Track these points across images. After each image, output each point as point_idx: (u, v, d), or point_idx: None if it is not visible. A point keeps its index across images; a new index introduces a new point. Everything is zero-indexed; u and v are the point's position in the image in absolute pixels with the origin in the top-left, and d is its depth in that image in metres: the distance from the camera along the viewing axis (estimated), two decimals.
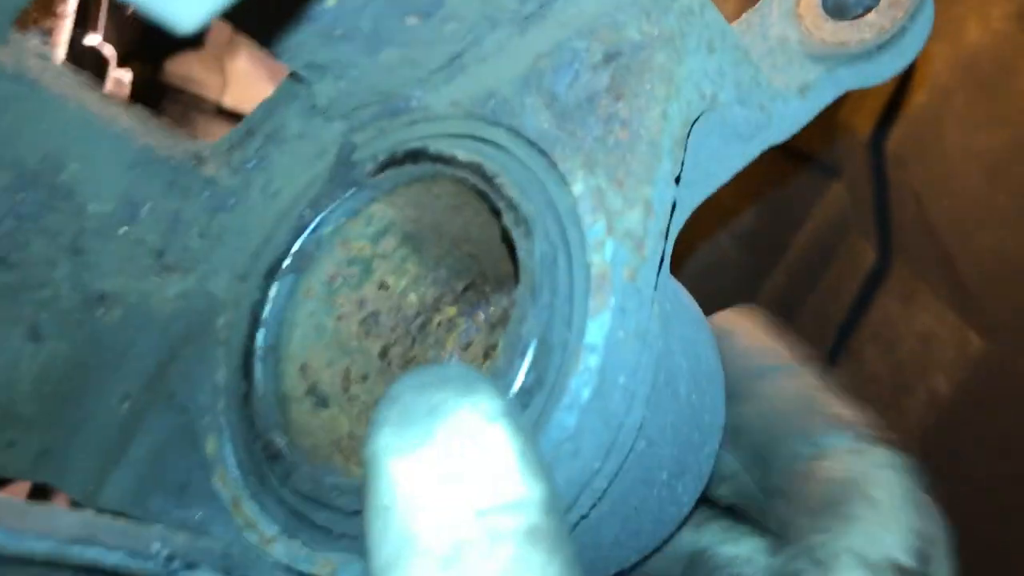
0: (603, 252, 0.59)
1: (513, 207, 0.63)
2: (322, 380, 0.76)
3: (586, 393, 0.57)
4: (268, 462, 0.67)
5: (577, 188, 0.62)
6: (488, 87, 0.69)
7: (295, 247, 0.73)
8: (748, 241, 1.97)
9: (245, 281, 0.75)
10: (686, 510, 0.76)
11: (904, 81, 1.76)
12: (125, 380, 0.75)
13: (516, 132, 0.66)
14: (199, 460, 0.72)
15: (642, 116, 0.62)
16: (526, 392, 0.59)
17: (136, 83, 1.28)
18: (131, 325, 0.74)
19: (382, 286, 0.80)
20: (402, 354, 0.84)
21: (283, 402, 0.71)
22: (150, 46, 1.39)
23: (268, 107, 0.76)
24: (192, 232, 0.73)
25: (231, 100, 1.55)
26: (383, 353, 0.82)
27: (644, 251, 0.60)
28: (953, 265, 1.76)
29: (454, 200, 0.72)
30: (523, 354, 0.59)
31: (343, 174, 0.73)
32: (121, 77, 0.92)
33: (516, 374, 0.59)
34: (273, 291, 0.73)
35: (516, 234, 0.62)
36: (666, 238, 0.63)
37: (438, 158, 0.68)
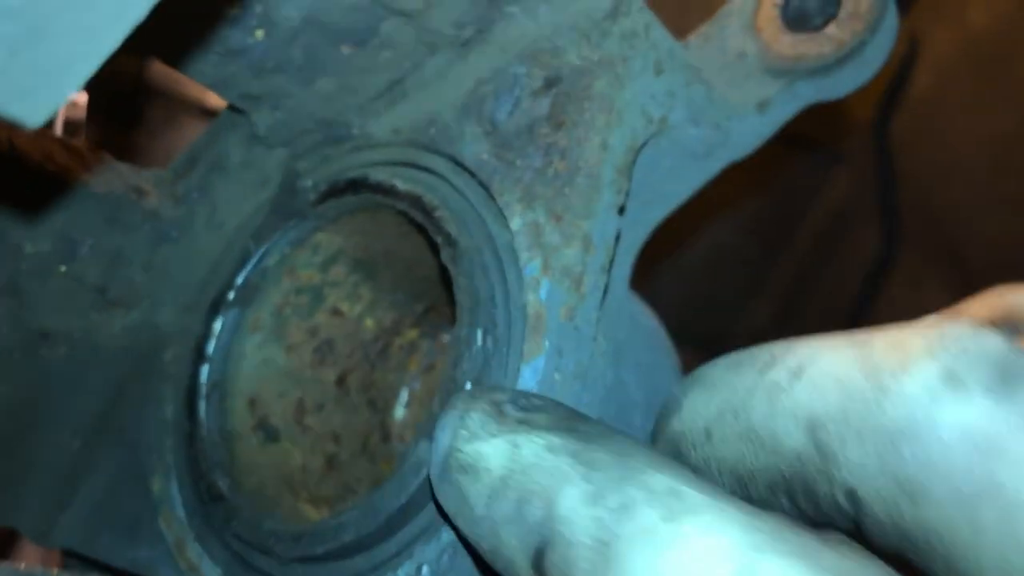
0: (538, 291, 0.57)
1: (451, 243, 0.60)
2: (273, 413, 0.74)
3: None
4: (211, 503, 0.66)
5: (515, 223, 0.59)
6: (429, 113, 0.66)
7: (239, 280, 0.71)
8: (752, 231, 1.93)
9: (192, 313, 0.74)
10: None
11: (908, 65, 1.71)
12: (75, 417, 0.74)
13: (456, 161, 0.64)
14: (149, 499, 0.70)
15: (582, 146, 0.59)
16: None
17: (121, 84, 1.26)
18: (77, 362, 0.72)
19: (335, 313, 0.78)
20: (361, 380, 0.82)
21: (229, 439, 0.69)
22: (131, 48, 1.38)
23: (210, 136, 0.74)
24: (135, 266, 0.72)
25: (216, 100, 1.53)
26: (340, 381, 0.80)
27: (583, 288, 0.57)
28: (960, 252, 1.72)
29: (400, 228, 0.70)
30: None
31: (286, 203, 0.71)
32: (76, 99, 0.90)
33: None
34: (217, 325, 0.71)
35: (453, 271, 0.60)
36: (609, 270, 0.61)
37: (378, 188, 0.66)
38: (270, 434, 0.73)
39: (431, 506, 0.55)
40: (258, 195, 0.73)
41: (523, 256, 0.58)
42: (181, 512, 0.68)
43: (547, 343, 0.55)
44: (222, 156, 0.72)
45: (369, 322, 0.81)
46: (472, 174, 0.62)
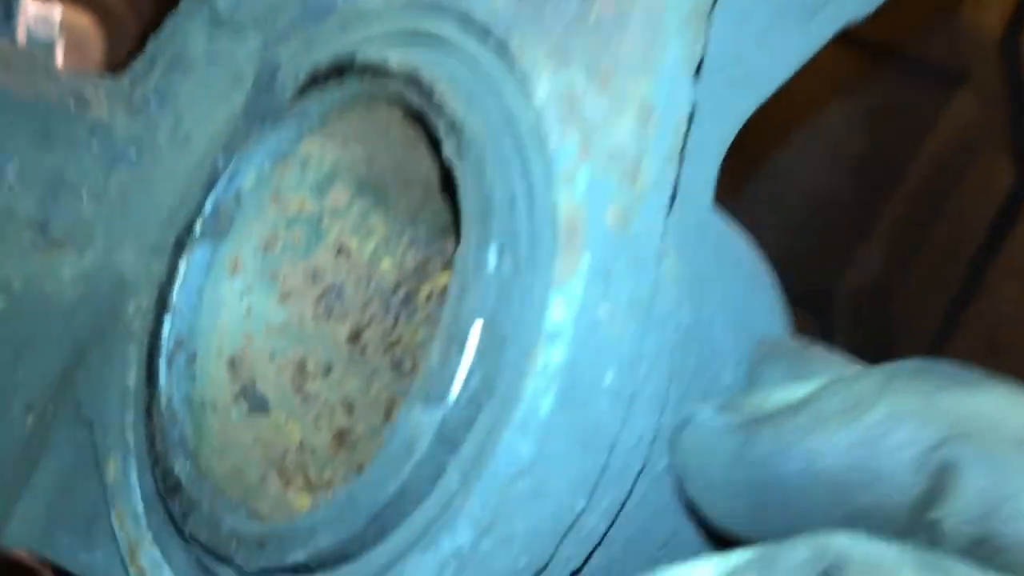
0: (574, 185, 0.40)
1: (455, 129, 0.44)
2: (262, 377, 0.58)
3: (545, 404, 0.38)
4: (167, 495, 0.51)
5: (542, 90, 0.42)
6: None
7: (207, 207, 0.55)
8: (859, 168, 1.71)
9: (159, 253, 0.59)
10: None
11: None
12: (26, 388, 0.60)
13: (466, 18, 0.47)
14: (104, 489, 0.56)
15: None
16: (470, 403, 0.40)
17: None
18: (22, 318, 0.58)
19: (341, 251, 0.62)
20: (381, 337, 0.66)
21: (198, 411, 0.54)
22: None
23: (170, 27, 0.58)
24: (83, 195, 0.57)
25: None
26: (353, 337, 0.64)
27: (641, 180, 0.40)
28: None
29: (407, 131, 0.54)
30: (462, 346, 0.40)
31: (261, 104, 0.55)
32: (46, 15, 0.76)
33: (453, 375, 0.40)
34: (183, 266, 0.55)
35: (458, 168, 0.43)
36: (681, 161, 0.43)
37: (366, 68, 0.49)
38: (257, 403, 0.57)
39: (429, 500, 0.39)
40: (231, 98, 0.57)
41: (553, 136, 0.41)
42: (139, 506, 0.54)
43: (587, 259, 0.38)
44: (183, 50, 0.57)
45: (386, 263, 0.64)
46: (487, 32, 0.45)
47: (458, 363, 0.40)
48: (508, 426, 0.39)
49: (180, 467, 0.51)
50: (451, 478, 0.41)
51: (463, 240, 0.42)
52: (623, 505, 0.44)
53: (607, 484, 0.42)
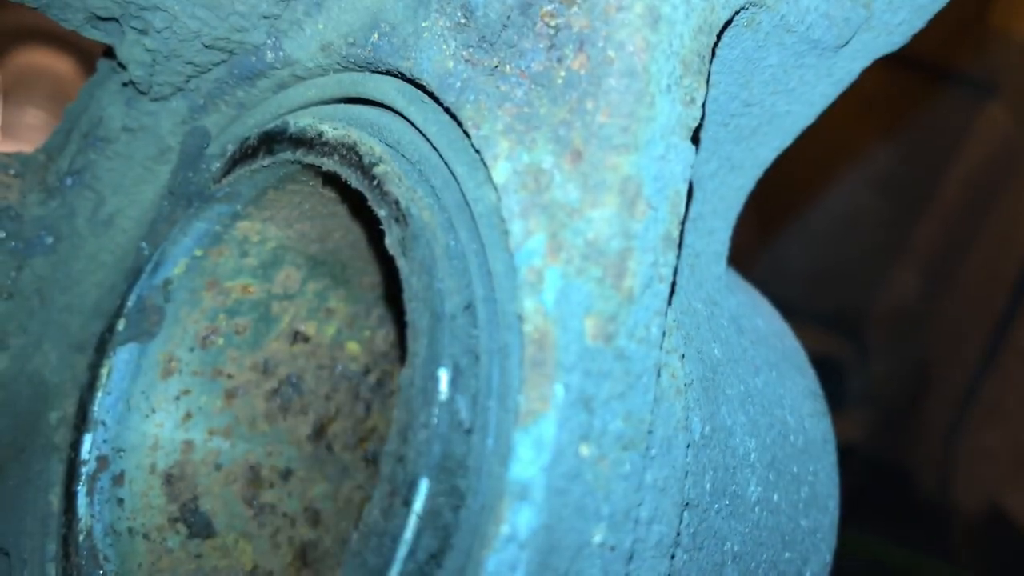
0: (541, 293, 0.31)
1: (399, 217, 0.35)
2: (205, 494, 0.50)
3: None
4: None
5: (500, 171, 0.34)
6: (370, 10, 0.41)
7: (130, 302, 0.47)
8: (887, 186, 1.61)
9: (85, 353, 0.51)
10: None
11: None
12: None
13: (411, 79, 0.38)
14: None
15: (613, 24, 0.33)
16: (419, 573, 0.31)
17: None
18: None
19: (297, 338, 0.54)
20: (351, 429, 0.58)
21: (126, 543, 0.46)
22: None
23: (86, 94, 0.50)
24: None
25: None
26: (317, 433, 0.55)
27: (627, 281, 0.31)
28: None
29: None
30: (407, 502, 0.31)
31: (188, 182, 0.47)
32: None
33: (396, 540, 0.31)
34: (104, 372, 0.47)
35: (404, 268, 0.35)
36: (680, 245, 0.34)
37: (300, 142, 0.41)
38: (199, 526, 0.49)
39: None
40: (158, 173, 0.49)
41: (515, 228, 0.32)
42: None
43: (559, 390, 0.30)
44: (99, 122, 0.49)
45: (352, 346, 0.56)
46: (435, 97, 0.37)
47: (403, 524, 0.32)
48: None
49: None
50: None
51: (409, 359, 0.34)
52: None
53: None
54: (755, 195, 0.47)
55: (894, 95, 1.45)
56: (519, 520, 0.30)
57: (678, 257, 0.35)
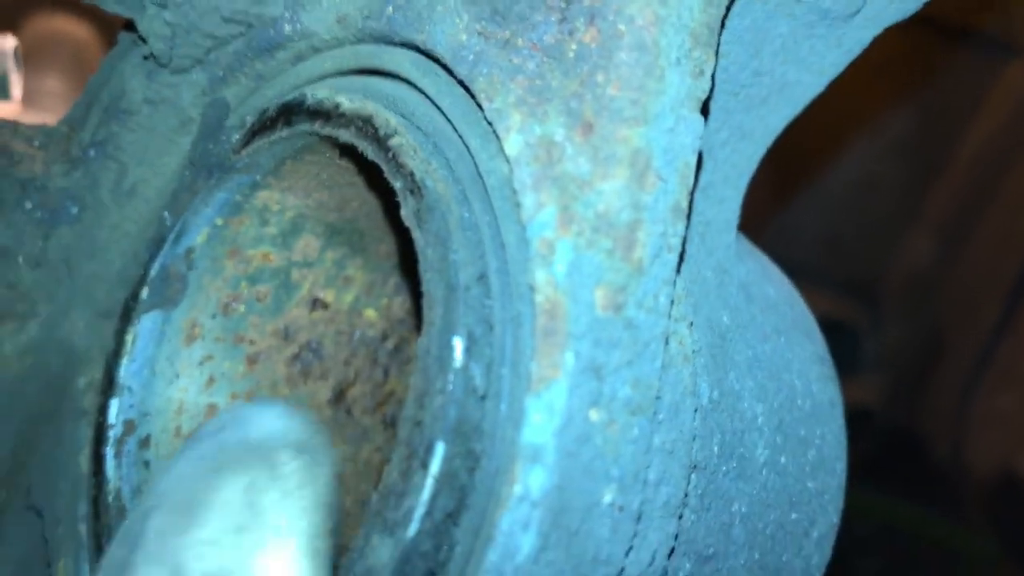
0: (552, 265, 0.32)
1: (415, 189, 0.36)
2: None
3: (526, 543, 0.31)
4: None
5: (513, 143, 0.34)
6: None
7: (153, 270, 0.48)
8: (902, 151, 1.60)
9: (112, 320, 0.52)
10: None
11: None
12: None
13: (425, 52, 0.39)
14: None
15: None
16: (435, 534, 0.33)
17: None
18: None
19: (316, 305, 0.55)
20: (370, 394, 0.59)
21: None
22: None
23: (107, 66, 0.51)
24: (18, 262, 0.50)
25: None
26: (337, 397, 0.57)
27: (636, 251, 0.32)
28: None
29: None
30: (425, 463, 0.33)
31: (208, 153, 0.48)
32: None
33: (414, 500, 0.33)
34: (130, 338, 0.49)
35: (420, 239, 0.36)
36: (688, 216, 0.35)
37: (317, 113, 0.42)
38: None
39: None
40: (179, 144, 0.50)
41: (527, 201, 0.33)
42: None
43: (570, 358, 0.31)
44: (121, 95, 0.50)
45: (370, 313, 0.57)
46: (449, 70, 0.37)
47: (421, 485, 0.33)
48: (480, 573, 0.31)
49: None
50: None
51: (425, 328, 0.35)
52: None
53: None
54: (770, 160, 0.47)
55: (910, 57, 1.44)
56: (531, 481, 0.31)
57: (687, 227, 0.36)
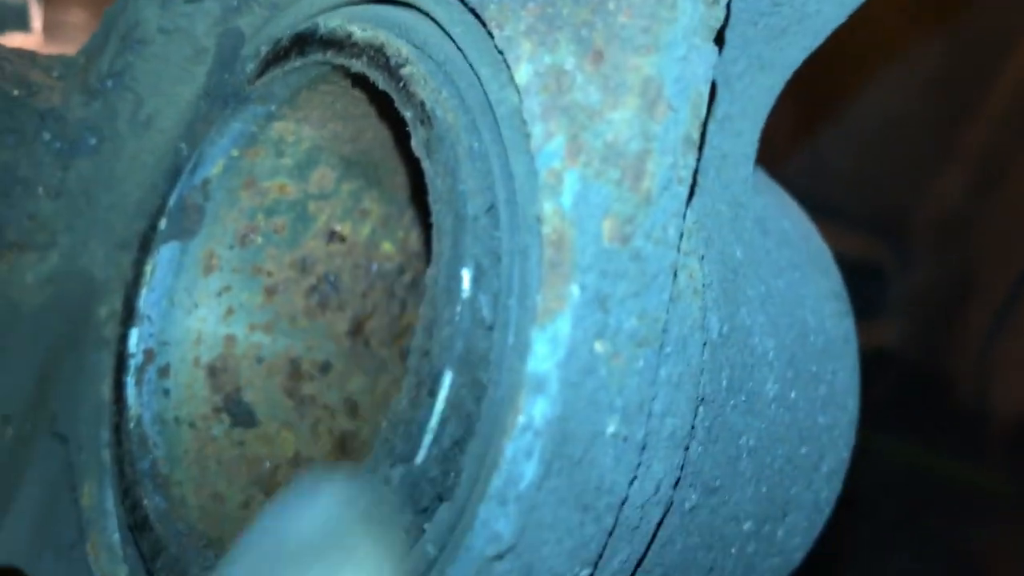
0: (560, 195, 0.32)
1: (424, 122, 0.36)
2: (248, 385, 0.53)
3: (529, 471, 0.31)
4: (137, 532, 0.45)
5: (523, 72, 0.34)
6: None
7: (171, 201, 0.49)
8: (936, 87, 1.57)
9: (129, 251, 0.53)
10: (799, 556, 0.49)
11: None
12: (2, 399, 0.55)
13: None
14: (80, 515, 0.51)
15: None
16: (443, 461, 0.33)
17: None
18: None
19: (333, 237, 0.55)
20: (387, 326, 0.59)
21: (172, 431, 0.49)
22: None
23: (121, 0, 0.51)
24: (37, 192, 0.51)
25: None
26: (354, 329, 0.57)
27: (645, 182, 0.32)
28: None
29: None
30: (433, 392, 0.33)
31: (223, 83, 0.48)
32: None
33: (422, 427, 0.33)
34: (149, 269, 0.49)
35: (429, 168, 0.36)
36: (700, 148, 0.35)
37: (330, 43, 0.42)
38: (242, 415, 0.51)
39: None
40: (194, 74, 0.50)
41: (536, 130, 0.33)
42: (114, 536, 0.49)
43: (575, 289, 0.31)
44: (136, 25, 0.49)
45: (387, 246, 0.57)
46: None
47: (428, 413, 0.33)
48: (485, 498, 0.32)
49: (149, 501, 0.45)
50: (427, 546, 0.34)
51: (434, 259, 0.35)
52: (644, 556, 0.38)
53: (618, 544, 0.35)
54: (795, 95, 0.46)
55: None
56: (535, 411, 0.31)
57: (700, 159, 0.35)
